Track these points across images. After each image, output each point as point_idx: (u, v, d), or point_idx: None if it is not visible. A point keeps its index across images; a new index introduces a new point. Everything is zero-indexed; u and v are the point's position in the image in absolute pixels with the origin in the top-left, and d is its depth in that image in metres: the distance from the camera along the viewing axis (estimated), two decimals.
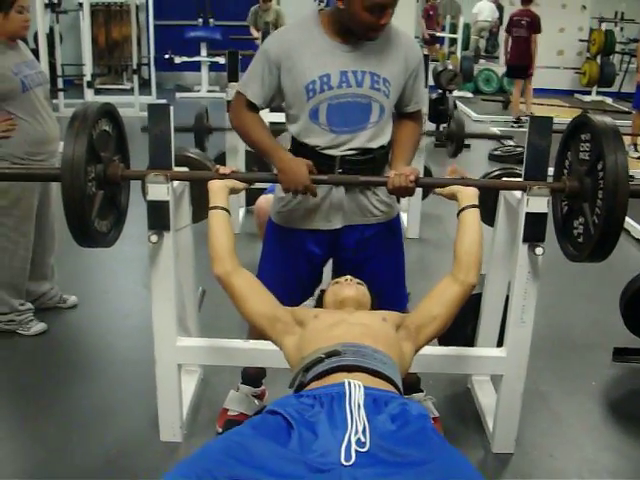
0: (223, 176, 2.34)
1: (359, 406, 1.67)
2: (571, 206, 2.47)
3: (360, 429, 1.60)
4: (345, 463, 1.50)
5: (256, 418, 1.73)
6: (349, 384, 1.74)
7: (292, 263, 2.60)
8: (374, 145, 2.45)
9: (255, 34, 10.16)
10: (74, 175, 2.19)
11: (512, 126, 9.86)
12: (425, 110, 5.14)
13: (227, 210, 2.27)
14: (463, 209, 2.27)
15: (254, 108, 2.46)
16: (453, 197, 2.35)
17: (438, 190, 2.38)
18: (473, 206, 2.27)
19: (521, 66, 9.98)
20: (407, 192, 2.38)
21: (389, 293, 2.56)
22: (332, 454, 1.53)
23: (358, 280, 2.36)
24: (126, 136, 2.57)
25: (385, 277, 2.61)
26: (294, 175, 2.34)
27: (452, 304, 2.13)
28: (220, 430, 2.79)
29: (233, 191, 2.37)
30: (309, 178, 2.34)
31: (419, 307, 2.18)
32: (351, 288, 2.25)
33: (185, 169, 2.66)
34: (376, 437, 1.59)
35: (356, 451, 1.54)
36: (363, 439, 1.57)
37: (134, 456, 2.68)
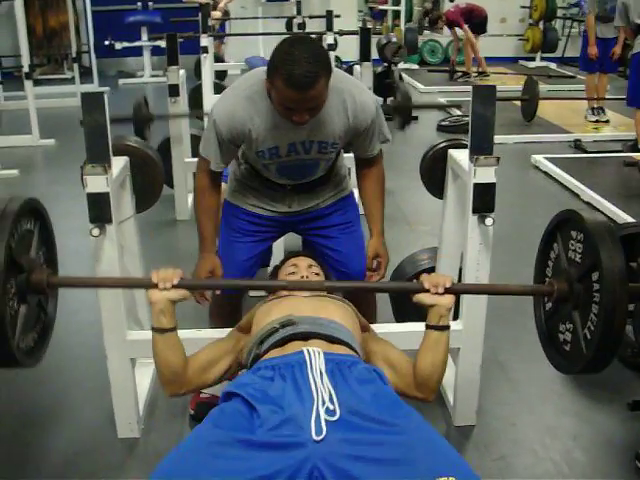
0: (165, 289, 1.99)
1: (321, 373, 1.66)
2: (556, 307, 2.14)
3: (327, 397, 1.58)
4: (316, 438, 1.49)
5: (215, 411, 1.69)
6: (308, 352, 1.73)
7: (243, 240, 2.67)
8: (323, 174, 2.60)
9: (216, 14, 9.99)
10: None
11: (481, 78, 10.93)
12: (370, 84, 5.10)
13: (175, 328, 2.03)
14: (433, 327, 2.00)
15: (215, 174, 2.51)
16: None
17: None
18: (444, 327, 2.00)
19: (485, 20, 10.97)
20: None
21: (352, 264, 2.66)
22: (303, 430, 1.51)
23: (315, 269, 2.37)
24: (53, 236, 2.22)
25: (347, 244, 2.69)
26: (198, 268, 2.56)
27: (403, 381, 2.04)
28: (192, 412, 2.76)
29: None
30: (206, 276, 2.52)
31: (382, 346, 2.14)
32: (306, 294, 2.18)
33: (126, 158, 2.65)
34: (346, 403, 1.58)
35: (326, 421, 1.52)
36: (332, 407, 1.56)
37: (92, 455, 2.62)
